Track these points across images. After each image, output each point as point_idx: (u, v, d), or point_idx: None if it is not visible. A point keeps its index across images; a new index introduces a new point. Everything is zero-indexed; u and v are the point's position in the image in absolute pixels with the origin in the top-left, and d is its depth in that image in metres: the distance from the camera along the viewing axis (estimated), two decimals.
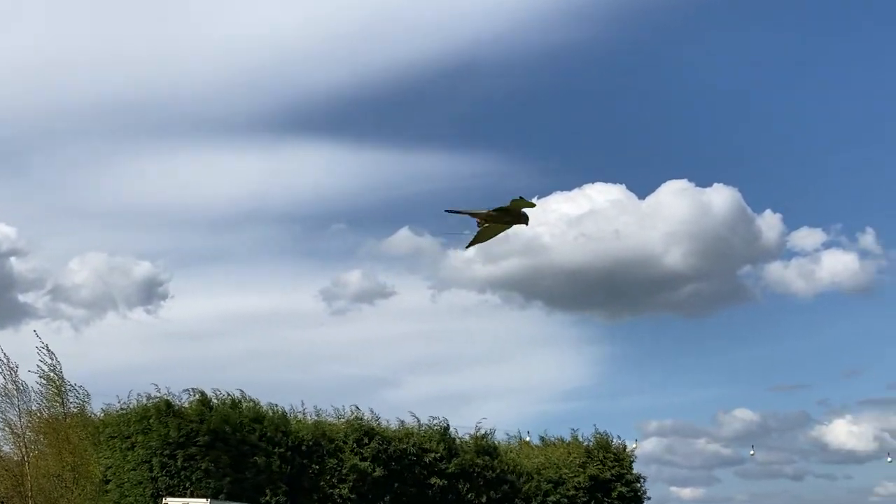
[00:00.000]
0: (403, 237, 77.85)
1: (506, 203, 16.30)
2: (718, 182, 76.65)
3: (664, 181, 76.65)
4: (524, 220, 16.75)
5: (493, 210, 16.57)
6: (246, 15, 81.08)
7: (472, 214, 16.74)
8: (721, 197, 74.40)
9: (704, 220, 73.66)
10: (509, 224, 16.85)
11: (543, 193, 76.42)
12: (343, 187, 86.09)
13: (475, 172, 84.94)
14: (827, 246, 79.61)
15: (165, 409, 36.85)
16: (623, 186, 75.30)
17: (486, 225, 16.52)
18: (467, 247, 17.12)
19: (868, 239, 79.10)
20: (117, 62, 79.16)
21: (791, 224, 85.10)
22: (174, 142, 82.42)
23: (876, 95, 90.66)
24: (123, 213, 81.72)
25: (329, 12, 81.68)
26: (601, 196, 74.58)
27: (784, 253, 78.78)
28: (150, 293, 72.20)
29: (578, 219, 72.98)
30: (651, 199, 75.02)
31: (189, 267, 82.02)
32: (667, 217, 73.40)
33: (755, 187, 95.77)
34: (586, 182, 76.46)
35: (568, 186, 77.34)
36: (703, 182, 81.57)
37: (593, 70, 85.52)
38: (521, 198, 16.60)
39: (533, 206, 16.70)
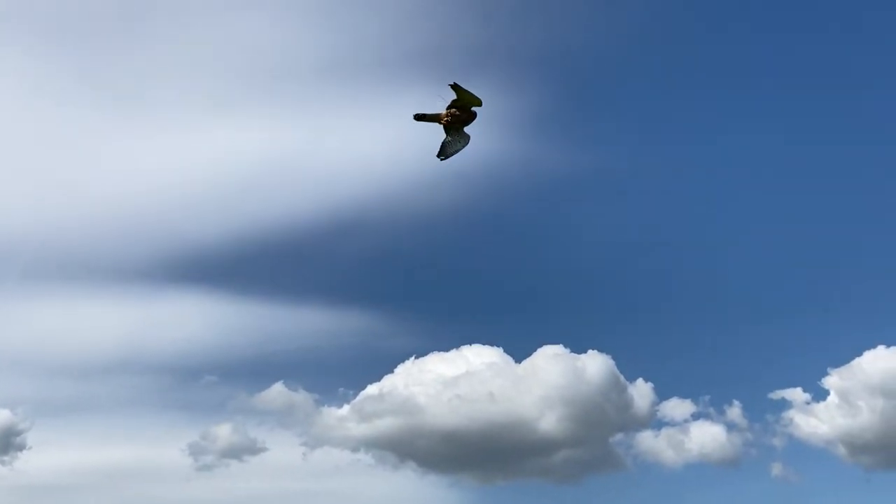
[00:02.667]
0: (277, 392, 76.66)
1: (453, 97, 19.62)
2: (593, 349, 77.32)
3: (540, 345, 77.14)
4: (473, 114, 19.71)
5: (449, 107, 19.67)
6: (123, 160, 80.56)
7: (435, 117, 19.74)
8: (595, 364, 75.07)
9: (579, 385, 74.10)
10: (470, 120, 19.78)
11: (421, 353, 76.68)
12: (218, 339, 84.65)
13: (354, 330, 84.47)
14: (696, 417, 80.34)
15: None
16: (500, 349, 75.79)
17: (452, 128, 19.85)
18: (442, 158, 19.92)
19: (735, 412, 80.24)
20: None
21: (662, 394, 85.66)
22: (41, 287, 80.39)
23: (743, 273, 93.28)
24: None
25: (211, 163, 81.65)
26: (477, 358, 75.00)
27: (655, 422, 79.31)
28: (7, 443, 69.19)
29: (454, 380, 73.13)
30: (527, 362, 75.40)
31: (51, 417, 78.95)
32: (542, 381, 73.71)
33: (628, 356, 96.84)
34: (464, 343, 76.65)
35: (445, 347, 77.38)
36: (578, 348, 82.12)
37: (472, 233, 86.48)
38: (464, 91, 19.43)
39: (479, 102, 19.62)
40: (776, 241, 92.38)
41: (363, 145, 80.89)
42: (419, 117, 19.59)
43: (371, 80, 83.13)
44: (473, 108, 19.54)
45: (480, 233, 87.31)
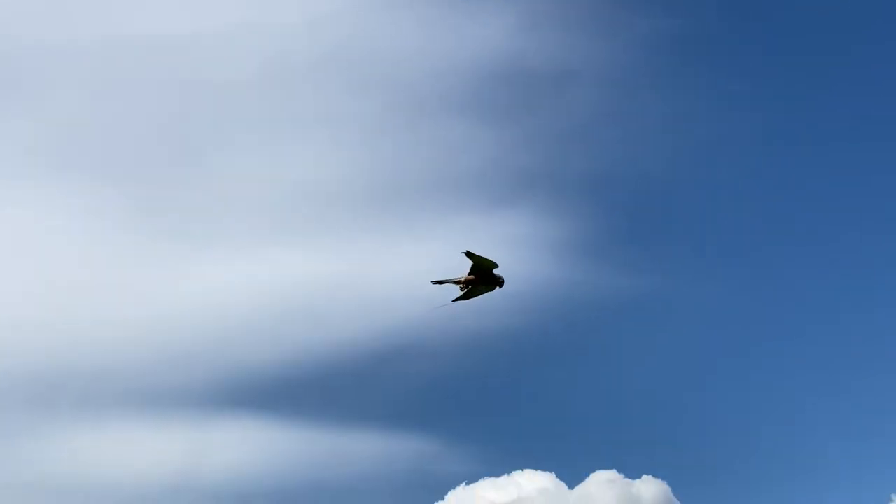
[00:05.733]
0: None
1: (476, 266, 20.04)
2: (647, 474, 75.99)
3: (593, 470, 76.02)
4: (500, 283, 20.59)
5: (470, 273, 20.24)
6: (176, 287, 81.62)
7: (455, 282, 20.30)
8: (650, 490, 73.53)
9: None
10: (489, 288, 20.56)
11: (472, 479, 75.75)
12: (269, 466, 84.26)
13: (404, 455, 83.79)
14: None
15: None
16: (553, 475, 74.73)
17: (468, 289, 20.72)
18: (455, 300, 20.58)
19: None
20: (38, 332, 78.72)
21: None
22: (92, 415, 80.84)
23: (801, 395, 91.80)
24: (37, 487, 79.09)
25: (262, 288, 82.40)
26: (530, 484, 73.91)
27: None
28: None
29: None
30: (580, 488, 74.21)
31: None
32: None
33: (685, 482, 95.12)
34: (516, 468, 75.71)
35: (497, 472, 76.35)
36: (633, 473, 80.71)
37: (523, 356, 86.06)
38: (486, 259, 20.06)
39: (495, 265, 20.21)
40: (838, 364, 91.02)
41: (412, 269, 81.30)
42: (438, 283, 20.18)
43: (419, 204, 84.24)
44: (495, 273, 20.22)
45: (531, 356, 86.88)
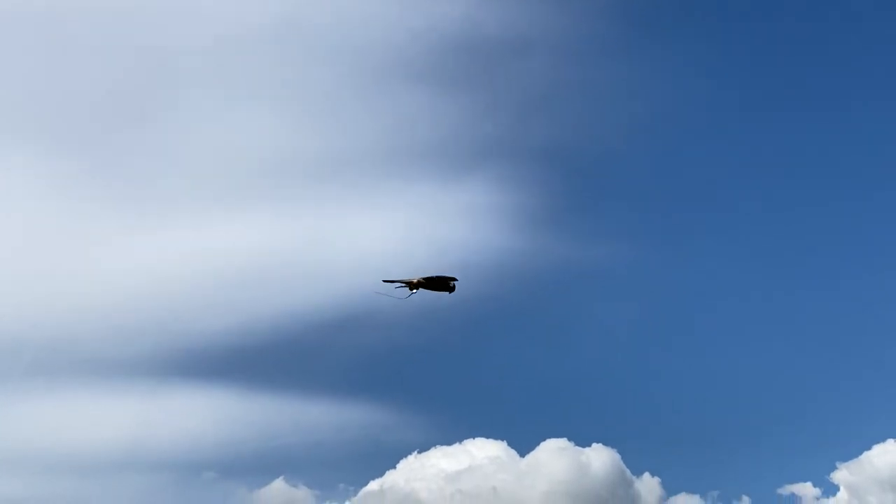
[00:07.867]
0: (277, 488, 76.08)
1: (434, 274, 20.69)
2: (598, 442, 76.56)
3: (544, 439, 76.47)
4: (450, 289, 21.39)
5: (424, 278, 21.00)
6: (127, 256, 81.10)
7: (404, 282, 21.29)
8: (600, 458, 74.23)
9: (583, 480, 73.14)
10: (436, 290, 21.57)
11: (424, 448, 76.10)
12: (220, 434, 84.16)
13: (357, 424, 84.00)
14: None
15: None
16: (504, 443, 75.15)
17: (416, 290, 21.21)
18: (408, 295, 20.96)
19: None
20: None
21: (670, 489, 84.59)
22: (45, 382, 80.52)
23: (750, 365, 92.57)
24: None
25: (215, 258, 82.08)
26: (481, 452, 74.32)
27: None
28: None
29: (457, 475, 72.28)
30: (531, 456, 74.66)
31: None
32: (546, 476, 72.83)
33: (634, 449, 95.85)
34: (468, 437, 76.09)
35: (449, 441, 76.79)
36: (583, 442, 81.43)
37: (476, 326, 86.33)
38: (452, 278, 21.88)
39: (455, 280, 21.74)
40: (784, 334, 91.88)
41: (367, 239, 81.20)
42: (388, 282, 20.61)
43: (375, 174, 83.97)
44: (448, 279, 20.71)
45: (484, 326, 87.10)
